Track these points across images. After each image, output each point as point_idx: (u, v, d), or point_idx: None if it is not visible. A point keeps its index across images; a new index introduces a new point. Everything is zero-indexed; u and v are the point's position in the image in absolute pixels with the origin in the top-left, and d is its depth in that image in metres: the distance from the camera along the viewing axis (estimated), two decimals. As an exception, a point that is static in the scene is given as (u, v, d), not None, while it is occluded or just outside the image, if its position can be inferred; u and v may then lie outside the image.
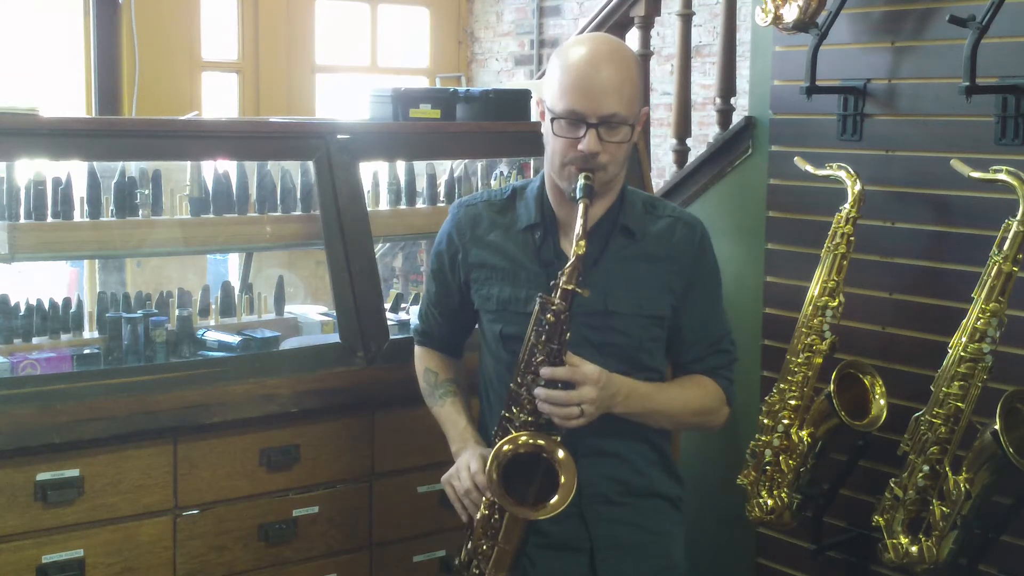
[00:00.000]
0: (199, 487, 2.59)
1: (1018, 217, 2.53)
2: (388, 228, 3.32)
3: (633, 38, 4.52)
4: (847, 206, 2.90)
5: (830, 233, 2.92)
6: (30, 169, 2.73)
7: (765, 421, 2.96)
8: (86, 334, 2.90)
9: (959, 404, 2.61)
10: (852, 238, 2.89)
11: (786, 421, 2.92)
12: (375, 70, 8.70)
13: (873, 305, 3.09)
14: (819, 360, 2.91)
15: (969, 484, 2.60)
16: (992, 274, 2.57)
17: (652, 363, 2.29)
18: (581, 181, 2.11)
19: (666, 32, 6.92)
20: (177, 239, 2.97)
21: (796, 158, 3.09)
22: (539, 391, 2.09)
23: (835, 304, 2.89)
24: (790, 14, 3.01)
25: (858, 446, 2.93)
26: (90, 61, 7.26)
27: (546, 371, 2.08)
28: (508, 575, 2.16)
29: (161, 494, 2.54)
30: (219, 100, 7.87)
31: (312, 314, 3.28)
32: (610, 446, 2.24)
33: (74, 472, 2.43)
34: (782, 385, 2.94)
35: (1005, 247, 2.56)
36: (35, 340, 2.80)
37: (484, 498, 2.16)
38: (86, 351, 2.79)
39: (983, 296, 2.58)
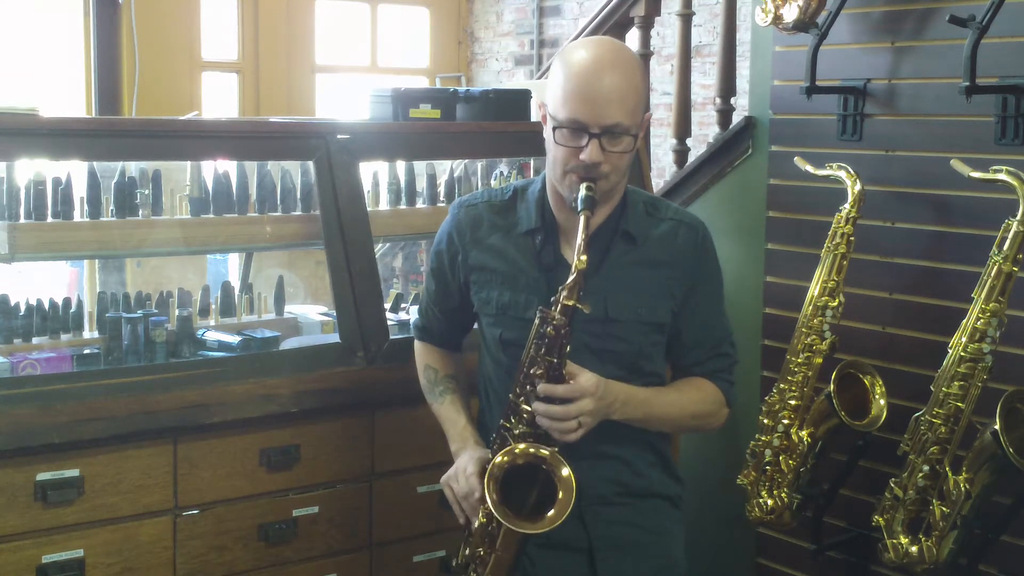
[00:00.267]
0: (199, 487, 2.58)
1: (1018, 217, 2.53)
2: (388, 228, 3.32)
3: (633, 38, 4.52)
4: (847, 206, 2.90)
5: (830, 233, 2.92)
6: (30, 169, 2.73)
7: (765, 421, 2.96)
8: (86, 334, 2.90)
9: (959, 404, 2.61)
10: (852, 238, 2.89)
11: (786, 421, 2.92)
12: (375, 70, 8.70)
13: (873, 305, 3.09)
14: (819, 360, 2.91)
15: (969, 484, 2.60)
16: (992, 274, 2.57)
17: (651, 368, 2.28)
18: (583, 192, 2.09)
19: (666, 32, 6.92)
20: (177, 239, 2.96)
21: (796, 158, 3.09)
22: (537, 406, 2.08)
23: (835, 304, 2.89)
24: (790, 14, 3.01)
25: (858, 446, 2.93)
26: (90, 61, 7.26)
27: (544, 388, 2.07)
28: None
29: (161, 494, 2.54)
30: (219, 100, 7.87)
31: (312, 314, 3.28)
32: (610, 449, 2.24)
33: (74, 472, 2.43)
34: (782, 385, 2.94)
35: (1005, 247, 2.56)
36: (35, 340, 2.80)
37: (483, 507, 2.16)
38: (86, 351, 2.79)
39: (983, 296, 2.58)
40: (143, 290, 3.02)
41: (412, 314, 3.17)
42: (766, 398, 2.98)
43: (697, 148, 4.29)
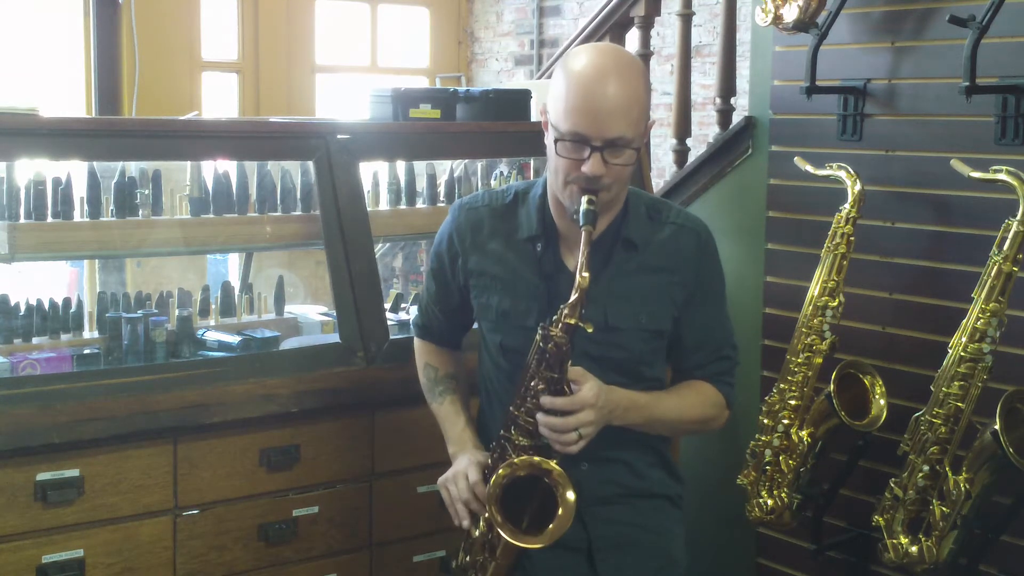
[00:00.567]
0: (199, 487, 2.58)
1: (1018, 217, 2.53)
2: (388, 228, 3.32)
3: (633, 38, 4.53)
4: (847, 206, 2.90)
5: (830, 233, 2.92)
6: (30, 169, 2.73)
7: (765, 421, 2.96)
8: (86, 334, 2.90)
9: (959, 404, 2.61)
10: (852, 238, 2.89)
11: (786, 421, 2.92)
12: (375, 70, 8.70)
13: (873, 305, 3.09)
14: (819, 360, 2.91)
15: (969, 484, 2.60)
16: (992, 274, 2.57)
17: (652, 373, 2.28)
18: (584, 207, 2.06)
19: (666, 32, 6.93)
20: (177, 239, 2.97)
21: (796, 158, 3.10)
22: (540, 417, 2.08)
23: (835, 304, 2.89)
24: (790, 14, 3.01)
25: (858, 446, 2.93)
26: (90, 61, 7.26)
27: (545, 400, 2.07)
28: None
29: (161, 494, 2.54)
30: (219, 100, 7.87)
31: (312, 314, 3.28)
32: (611, 453, 2.24)
33: (74, 472, 2.43)
34: (782, 385, 2.94)
35: (1005, 247, 2.56)
36: (35, 340, 2.80)
37: (483, 517, 2.15)
38: (86, 351, 2.79)
39: (983, 296, 2.58)
40: (143, 290, 3.02)
41: (412, 314, 3.17)
42: (766, 398, 2.98)
43: (697, 148, 4.29)
